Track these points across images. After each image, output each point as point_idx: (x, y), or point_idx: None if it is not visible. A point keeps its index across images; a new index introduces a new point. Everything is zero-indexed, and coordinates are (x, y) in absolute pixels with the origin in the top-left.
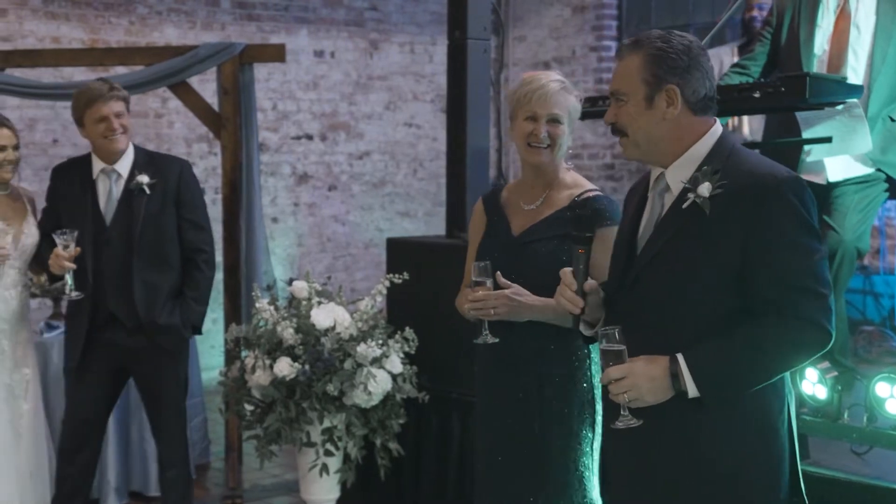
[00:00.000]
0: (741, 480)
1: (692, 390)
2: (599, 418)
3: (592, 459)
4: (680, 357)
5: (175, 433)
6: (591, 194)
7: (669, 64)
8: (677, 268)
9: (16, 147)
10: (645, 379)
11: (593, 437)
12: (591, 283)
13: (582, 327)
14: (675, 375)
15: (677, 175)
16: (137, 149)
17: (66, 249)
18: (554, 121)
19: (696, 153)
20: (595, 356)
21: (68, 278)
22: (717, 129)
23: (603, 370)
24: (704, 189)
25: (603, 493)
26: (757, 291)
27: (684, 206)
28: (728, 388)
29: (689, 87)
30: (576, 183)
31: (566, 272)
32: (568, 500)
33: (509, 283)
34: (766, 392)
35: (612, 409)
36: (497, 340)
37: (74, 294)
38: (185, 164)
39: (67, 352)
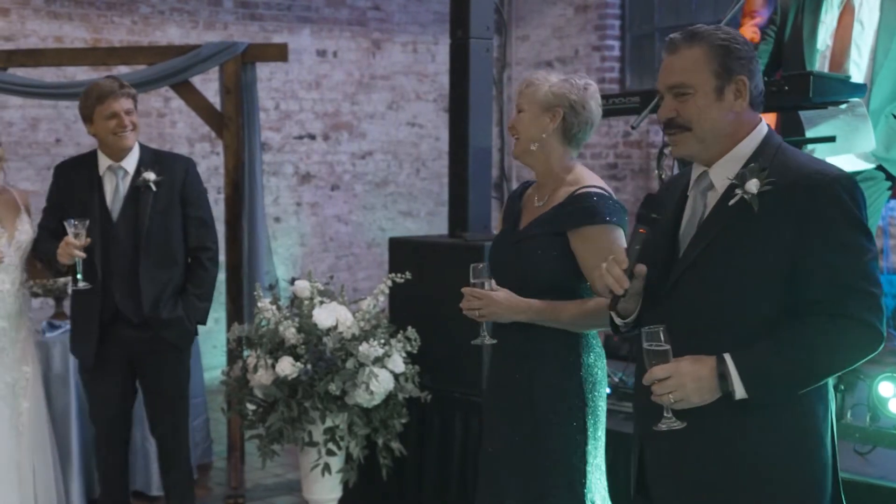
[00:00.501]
0: (787, 487)
1: (740, 391)
2: (593, 420)
3: (586, 461)
4: (727, 357)
5: (178, 431)
6: (585, 190)
7: (737, 55)
8: (724, 266)
9: None
10: (691, 379)
11: (586, 438)
12: (641, 267)
13: (614, 315)
14: (723, 376)
15: (722, 172)
16: (143, 147)
17: (76, 238)
18: (518, 111)
19: (742, 150)
20: (587, 358)
21: (77, 267)
22: (763, 126)
23: (646, 370)
24: (752, 186)
25: (638, 497)
26: (807, 291)
27: (731, 203)
28: (777, 389)
29: (753, 81)
30: (577, 180)
31: (620, 249)
32: (562, 500)
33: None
34: (811, 396)
35: (646, 412)
36: (495, 342)
37: (82, 284)
38: (191, 162)
39: (79, 351)
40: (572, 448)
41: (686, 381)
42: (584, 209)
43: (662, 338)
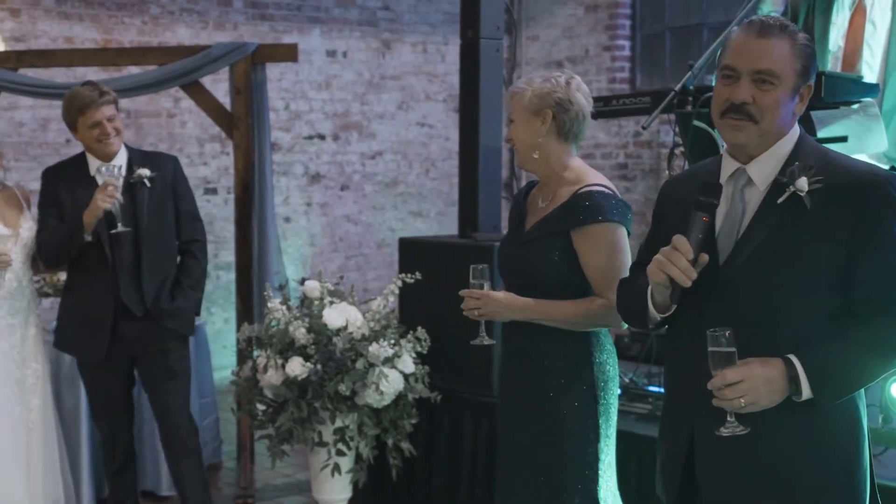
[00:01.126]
0: (842, 487)
1: (806, 393)
2: (605, 418)
3: (598, 460)
4: (794, 359)
5: (186, 419)
6: (587, 189)
7: (813, 59)
8: (779, 265)
9: None
10: (763, 382)
11: (598, 437)
12: (704, 256)
13: (653, 310)
14: (793, 378)
15: (762, 169)
16: (130, 148)
17: (113, 182)
18: (510, 121)
19: (782, 149)
20: (599, 357)
21: (116, 212)
22: (797, 127)
23: (707, 374)
24: (803, 183)
25: (683, 500)
26: (862, 289)
27: (780, 200)
28: (841, 390)
29: (812, 88)
30: (578, 178)
31: (682, 239)
32: (575, 499)
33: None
34: (855, 395)
35: (698, 415)
36: (493, 342)
37: (122, 227)
38: (176, 159)
39: (85, 348)
40: (585, 447)
41: (758, 384)
42: (587, 207)
43: (728, 341)
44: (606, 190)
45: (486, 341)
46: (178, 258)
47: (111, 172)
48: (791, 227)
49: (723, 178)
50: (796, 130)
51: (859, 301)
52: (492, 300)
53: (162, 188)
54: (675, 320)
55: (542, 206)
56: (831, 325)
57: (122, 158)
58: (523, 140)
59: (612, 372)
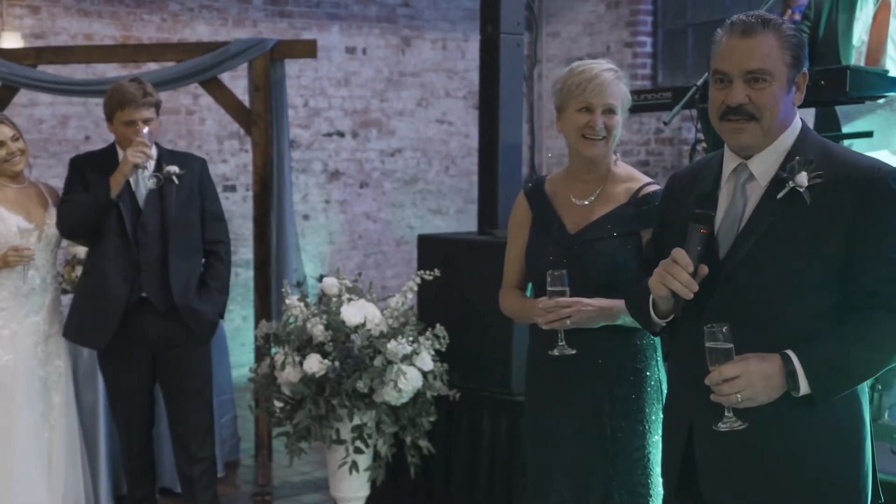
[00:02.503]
0: (842, 482)
1: (804, 388)
2: (657, 424)
3: (657, 450)
4: (792, 354)
5: (203, 424)
6: (651, 188)
7: (803, 47)
8: (779, 260)
9: (14, 138)
10: (760, 377)
11: (658, 428)
12: (704, 268)
13: (656, 317)
14: (791, 373)
15: (763, 164)
16: (159, 147)
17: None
18: (609, 111)
19: (784, 143)
20: (659, 352)
21: (150, 166)
22: (799, 119)
23: (703, 370)
24: (803, 178)
25: (682, 495)
26: (862, 284)
27: (780, 196)
28: (840, 385)
29: (807, 75)
30: (631, 176)
31: (681, 252)
32: (638, 496)
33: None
34: (857, 391)
35: (696, 411)
36: (574, 352)
37: (161, 175)
38: (204, 160)
39: (90, 336)
40: (652, 439)
41: (756, 379)
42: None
43: (725, 336)
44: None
45: (568, 351)
46: (203, 259)
47: (143, 135)
48: (790, 223)
49: (725, 174)
50: (798, 124)
51: (858, 296)
52: (584, 305)
53: (189, 187)
54: (676, 318)
55: (584, 203)
56: (831, 320)
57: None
58: (617, 132)
59: (662, 376)
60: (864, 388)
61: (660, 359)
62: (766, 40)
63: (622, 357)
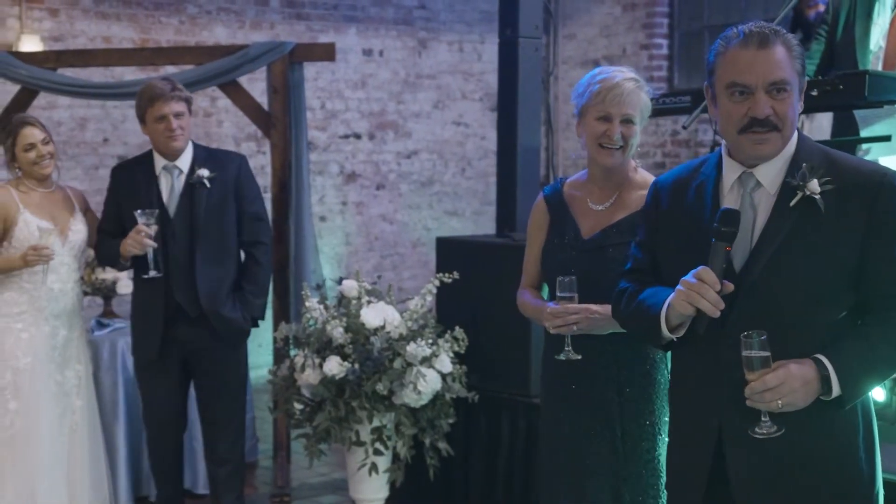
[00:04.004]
0: (868, 477)
1: (836, 391)
2: (666, 427)
3: (664, 451)
4: (824, 359)
5: (234, 427)
6: None
7: (804, 57)
8: (798, 270)
9: (45, 142)
10: (801, 383)
11: (663, 445)
12: (728, 285)
13: (667, 332)
14: (825, 378)
15: (770, 172)
16: (196, 145)
17: (147, 227)
18: (627, 121)
19: (787, 150)
20: (665, 355)
21: (149, 256)
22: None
23: (741, 378)
24: (815, 185)
25: (712, 498)
26: (877, 287)
27: (793, 203)
28: (867, 386)
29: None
30: (646, 183)
31: (708, 271)
32: (648, 498)
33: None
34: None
35: (712, 417)
36: (580, 357)
37: (154, 272)
38: (243, 158)
39: (139, 348)
40: (661, 441)
41: (797, 385)
42: None
43: (763, 344)
44: None
45: (573, 356)
46: (242, 259)
47: (147, 218)
48: (806, 230)
49: (727, 182)
50: (796, 131)
51: (875, 298)
52: (592, 312)
53: (223, 189)
54: (697, 328)
55: (600, 208)
56: (849, 323)
57: (187, 157)
58: (635, 141)
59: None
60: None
61: (669, 362)
62: (781, 51)
63: (632, 360)
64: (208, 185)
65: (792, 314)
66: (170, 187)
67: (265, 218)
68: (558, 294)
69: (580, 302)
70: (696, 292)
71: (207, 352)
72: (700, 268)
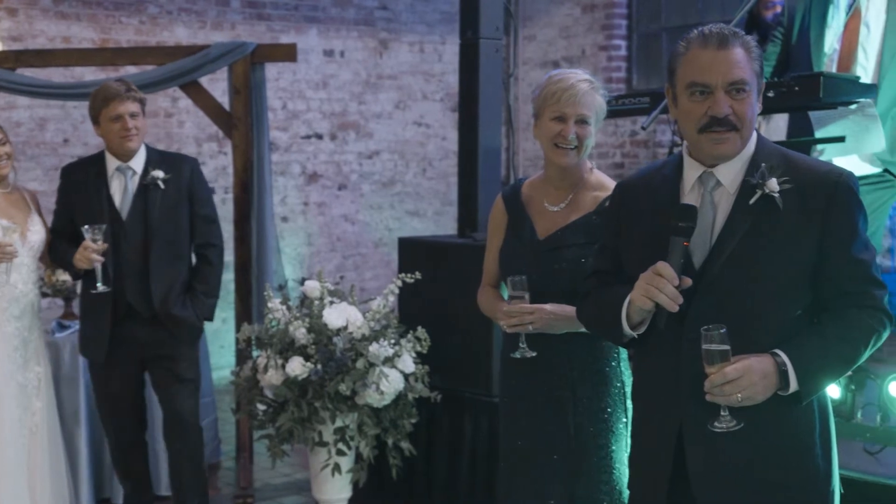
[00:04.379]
0: (824, 472)
1: (793, 386)
2: (631, 414)
3: (624, 454)
4: (782, 353)
5: (193, 426)
6: None
7: (762, 60)
8: (756, 266)
9: (2, 142)
10: (760, 377)
11: (627, 434)
12: (687, 280)
13: (628, 328)
14: (784, 372)
15: (730, 172)
16: (149, 147)
17: (94, 243)
18: (582, 122)
19: (747, 150)
20: (622, 354)
21: (97, 272)
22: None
23: (699, 371)
24: (774, 184)
25: (675, 498)
26: (835, 284)
27: (752, 201)
28: (823, 381)
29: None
30: (601, 185)
31: (666, 266)
32: (601, 495)
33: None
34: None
35: (686, 412)
36: (535, 354)
37: (102, 287)
38: (195, 161)
39: (90, 350)
40: (618, 442)
41: (756, 378)
42: None
43: (723, 338)
44: None
45: (528, 353)
46: (195, 262)
47: (94, 234)
48: (765, 227)
49: (688, 182)
50: (754, 132)
51: (832, 296)
52: (546, 312)
53: (176, 191)
54: (657, 324)
55: (554, 209)
56: (807, 320)
57: (140, 158)
58: (590, 143)
59: (628, 368)
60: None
61: (623, 362)
62: (740, 51)
63: (586, 358)
64: (162, 186)
65: (750, 310)
66: (122, 188)
67: (216, 220)
68: (510, 293)
69: (533, 301)
70: (655, 287)
71: (161, 351)
72: (658, 263)
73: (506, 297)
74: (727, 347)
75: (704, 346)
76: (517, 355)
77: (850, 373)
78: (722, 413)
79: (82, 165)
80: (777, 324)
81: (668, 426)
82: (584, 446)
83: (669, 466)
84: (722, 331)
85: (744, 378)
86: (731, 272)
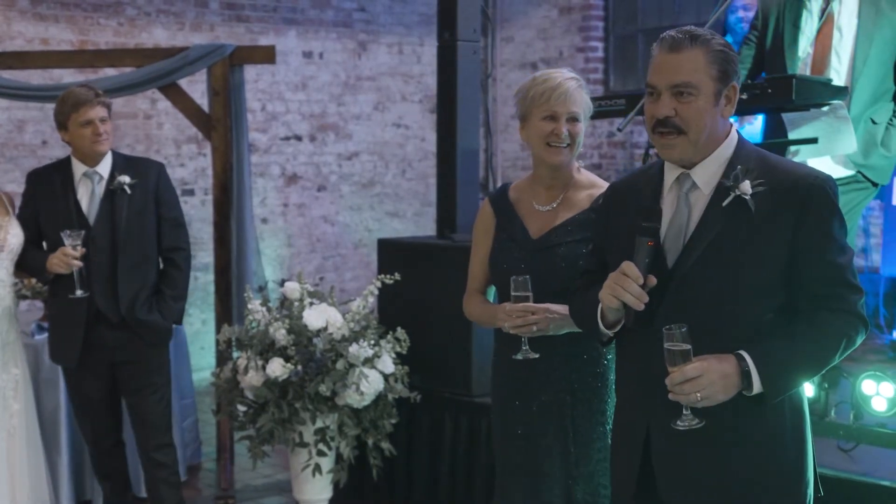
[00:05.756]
0: (790, 476)
1: (757, 387)
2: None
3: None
4: (745, 354)
5: (164, 430)
6: None
7: (732, 61)
8: (726, 267)
9: None
10: (719, 377)
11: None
12: (652, 278)
13: (604, 328)
14: (746, 373)
15: (706, 174)
16: (115, 153)
17: (73, 248)
18: (573, 119)
19: (723, 153)
20: (609, 354)
21: (75, 277)
22: (735, 131)
23: (662, 370)
24: (747, 186)
25: (642, 496)
26: (806, 287)
27: (725, 203)
28: (789, 383)
29: (739, 87)
30: (592, 182)
31: (631, 265)
32: (600, 497)
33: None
34: (799, 388)
35: (653, 411)
36: (538, 356)
37: (80, 293)
38: (161, 165)
39: (62, 355)
40: (603, 453)
41: (715, 378)
42: None
43: (684, 337)
44: None
45: (532, 355)
46: (161, 265)
47: (73, 239)
48: (736, 229)
49: (667, 183)
50: (735, 135)
51: (803, 298)
52: (550, 312)
53: (143, 195)
54: (635, 324)
55: (545, 209)
56: (778, 321)
57: (107, 163)
58: (580, 139)
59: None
60: (803, 386)
61: (613, 357)
62: (693, 55)
63: (584, 361)
64: (129, 191)
65: (720, 310)
66: (90, 193)
67: (184, 224)
68: (513, 293)
69: (535, 301)
70: (620, 286)
71: (129, 355)
72: (623, 262)
73: (492, 300)
74: (688, 347)
75: (666, 345)
76: (520, 357)
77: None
78: (684, 412)
79: (48, 171)
80: (746, 325)
81: (638, 424)
82: (583, 450)
83: (637, 465)
84: (683, 329)
85: (703, 377)
86: (701, 272)
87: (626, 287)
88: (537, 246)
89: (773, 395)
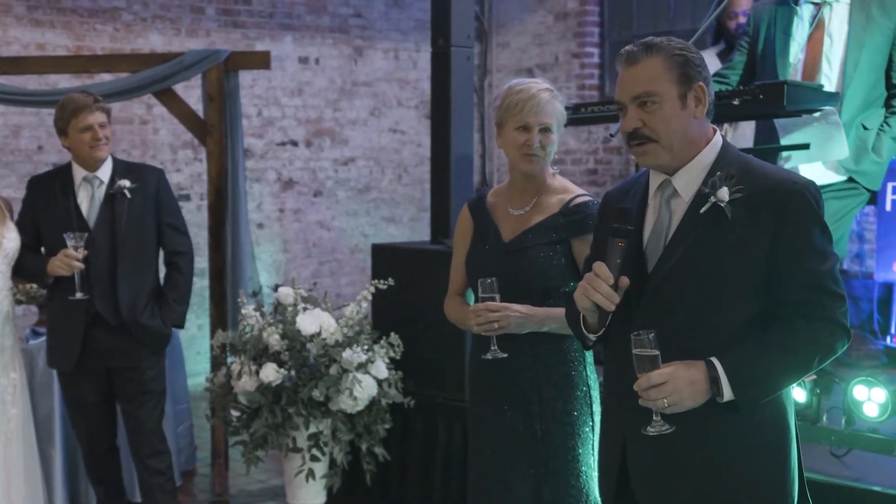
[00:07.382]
0: (770, 484)
1: (728, 394)
2: (598, 418)
3: (593, 458)
4: (716, 361)
5: (157, 435)
6: (582, 199)
7: (694, 63)
8: (703, 272)
9: None
10: (686, 383)
11: (593, 437)
12: (624, 279)
13: (586, 331)
14: (715, 380)
15: (686, 180)
16: (115, 158)
17: (76, 250)
18: (545, 130)
19: (704, 159)
20: (588, 358)
21: (76, 279)
22: (719, 136)
23: (633, 376)
24: (724, 193)
25: (619, 499)
26: (784, 294)
27: (702, 210)
28: (762, 391)
29: (709, 87)
30: (564, 188)
31: (602, 266)
32: (569, 497)
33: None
34: (783, 394)
35: (628, 416)
36: (506, 356)
37: (80, 294)
38: (161, 171)
39: (56, 358)
40: (585, 445)
41: (682, 385)
42: (592, 216)
43: (652, 343)
44: (595, 199)
45: (500, 355)
46: (165, 270)
47: (76, 241)
48: (713, 236)
49: (651, 190)
50: (718, 140)
51: (780, 304)
52: (513, 312)
53: (143, 200)
54: (608, 329)
55: (518, 213)
56: (754, 329)
57: (107, 168)
58: (552, 150)
59: (594, 372)
60: (789, 393)
61: (589, 366)
62: (650, 64)
63: (550, 361)
64: (129, 195)
65: (695, 316)
66: (90, 198)
67: (184, 229)
68: (481, 295)
69: (502, 302)
70: (591, 286)
71: (127, 360)
72: (595, 263)
73: (471, 303)
74: (656, 353)
75: (634, 351)
76: (488, 356)
77: (814, 376)
78: (654, 417)
79: (48, 177)
80: (721, 331)
81: (616, 429)
82: (552, 449)
83: (616, 469)
84: (651, 335)
85: (668, 384)
86: (678, 279)
87: (596, 287)
88: (509, 248)
89: (745, 403)
